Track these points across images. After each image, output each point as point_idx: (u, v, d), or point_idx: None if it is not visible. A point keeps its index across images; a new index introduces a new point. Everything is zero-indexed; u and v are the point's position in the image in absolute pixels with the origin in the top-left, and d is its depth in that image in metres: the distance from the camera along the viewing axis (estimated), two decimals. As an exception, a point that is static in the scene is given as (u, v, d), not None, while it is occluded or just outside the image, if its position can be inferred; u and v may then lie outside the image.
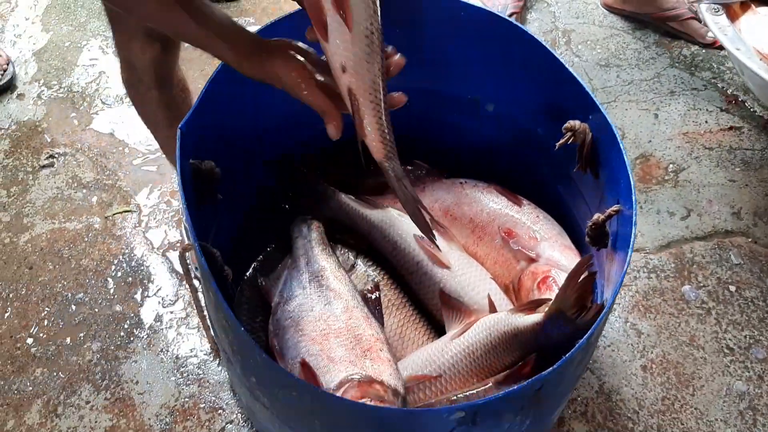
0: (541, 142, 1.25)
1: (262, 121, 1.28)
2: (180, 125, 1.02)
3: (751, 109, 1.84)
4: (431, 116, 1.39)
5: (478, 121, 1.37)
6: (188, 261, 1.05)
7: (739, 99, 1.86)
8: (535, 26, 2.07)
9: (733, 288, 1.50)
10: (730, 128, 1.80)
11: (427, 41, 1.28)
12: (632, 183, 0.96)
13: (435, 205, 1.38)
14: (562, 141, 1.11)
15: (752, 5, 1.31)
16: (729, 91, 1.87)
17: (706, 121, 1.81)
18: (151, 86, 1.24)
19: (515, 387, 0.81)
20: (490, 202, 1.35)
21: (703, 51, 1.97)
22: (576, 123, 1.10)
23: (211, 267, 0.92)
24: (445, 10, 1.23)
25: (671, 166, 1.73)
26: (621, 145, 1.01)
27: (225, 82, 1.13)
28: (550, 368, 0.80)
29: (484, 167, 1.40)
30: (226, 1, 2.12)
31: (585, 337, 0.83)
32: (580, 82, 1.09)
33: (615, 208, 1.01)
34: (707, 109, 1.84)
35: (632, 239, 0.91)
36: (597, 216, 1.04)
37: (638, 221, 1.61)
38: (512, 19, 1.95)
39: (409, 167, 1.41)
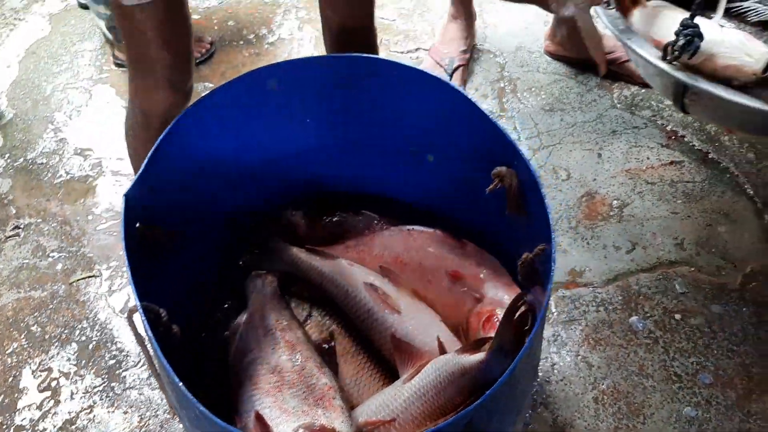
0: (478, 187, 1.32)
1: (212, 181, 1.33)
2: (125, 192, 1.07)
3: (691, 144, 1.92)
4: (378, 169, 1.46)
5: (421, 171, 1.44)
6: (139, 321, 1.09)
7: (679, 134, 1.95)
8: (482, 76, 2.16)
9: (678, 316, 1.56)
10: (671, 163, 1.88)
11: (370, 101, 1.36)
12: (551, 222, 1.02)
13: (385, 252, 1.43)
14: (491, 186, 1.18)
15: (644, 2, 1.38)
16: (669, 128, 1.96)
17: (648, 158, 1.90)
18: (158, 132, 1.24)
19: (440, 424, 0.85)
20: (437, 247, 1.41)
21: (643, 91, 2.07)
22: (503, 169, 1.17)
23: (154, 326, 0.96)
24: (388, 73, 1.31)
25: (615, 202, 1.80)
26: (541, 187, 1.07)
27: (171, 146, 1.19)
28: (475, 404, 0.84)
29: (430, 213, 1.46)
30: (198, 64, 2.19)
31: (507, 372, 0.88)
32: (505, 134, 1.16)
33: (540, 247, 1.07)
34: (648, 146, 1.92)
35: (551, 275, 0.97)
36: (525, 255, 1.10)
37: (586, 257, 1.69)
38: (452, 82, 2.07)
39: (359, 217, 1.48)
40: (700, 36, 1.18)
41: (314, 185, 1.48)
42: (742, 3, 1.29)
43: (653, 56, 1.26)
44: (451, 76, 2.10)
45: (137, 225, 1.14)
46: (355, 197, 1.49)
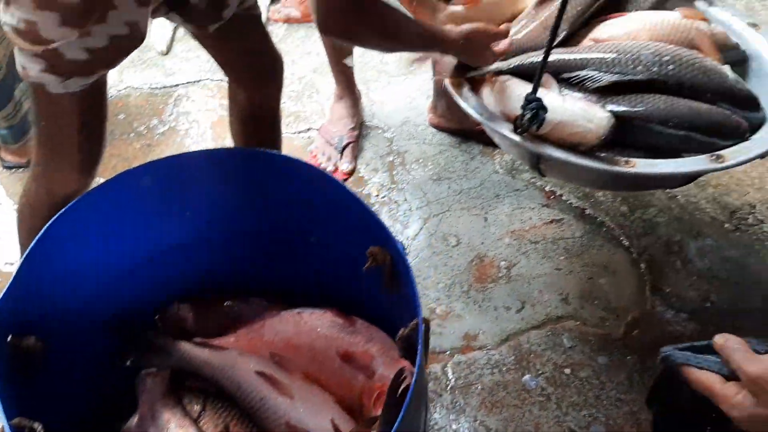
0: (359, 265, 1.36)
1: (92, 283, 1.32)
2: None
3: (569, 202, 2.04)
4: (264, 254, 1.48)
5: (306, 253, 1.47)
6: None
7: (557, 194, 2.06)
8: (372, 151, 2.24)
9: (568, 371, 1.62)
10: (552, 221, 1.99)
11: (251, 191, 1.39)
12: (417, 298, 1.06)
13: (276, 338, 1.44)
14: (366, 265, 1.22)
15: (490, 77, 1.47)
16: (547, 188, 2.08)
17: (530, 218, 2.00)
18: (53, 212, 1.23)
19: None
20: (327, 327, 1.43)
21: (522, 155, 2.19)
22: (376, 249, 1.21)
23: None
24: (267, 165, 1.35)
25: (503, 263, 1.88)
26: (408, 265, 1.12)
27: (46, 251, 1.18)
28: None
29: (319, 293, 1.48)
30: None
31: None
32: (377, 218, 1.21)
33: (413, 323, 1.11)
34: (530, 207, 2.03)
35: (419, 348, 1.00)
36: (402, 330, 1.14)
37: (479, 320, 1.74)
38: (344, 158, 2.13)
39: (248, 305, 1.48)
40: (544, 108, 1.27)
41: (199, 277, 1.48)
42: (579, 72, 1.40)
43: (506, 130, 1.35)
44: (341, 153, 2.17)
45: (10, 337, 1.11)
46: (243, 284, 1.50)
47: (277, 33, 2.74)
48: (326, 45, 2.13)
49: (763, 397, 0.73)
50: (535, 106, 1.27)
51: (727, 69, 1.41)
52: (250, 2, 1.45)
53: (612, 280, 1.83)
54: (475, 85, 1.49)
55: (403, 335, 1.13)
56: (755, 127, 1.38)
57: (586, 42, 1.53)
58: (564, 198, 2.05)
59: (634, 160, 1.30)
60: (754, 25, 1.55)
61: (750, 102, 1.40)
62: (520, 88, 1.36)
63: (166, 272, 1.43)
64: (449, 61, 1.49)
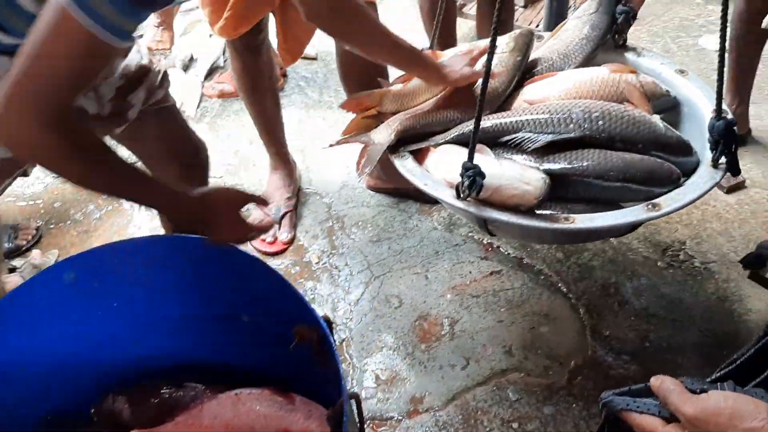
0: (291, 342, 1.36)
1: (18, 385, 1.29)
2: None
3: (506, 253, 2.07)
4: (197, 337, 1.47)
5: (239, 333, 1.46)
6: None
7: (495, 246, 2.10)
8: (311, 218, 2.26)
9: (515, 425, 1.62)
10: (491, 273, 2.01)
11: (177, 277, 1.39)
12: (342, 378, 1.06)
13: (215, 421, 1.41)
14: (293, 343, 1.22)
15: (432, 148, 1.53)
16: (485, 241, 2.11)
17: (470, 272, 2.02)
18: None
19: None
20: (266, 406, 1.41)
21: (459, 209, 2.23)
22: (302, 327, 1.22)
23: None
24: (192, 251, 1.35)
25: (446, 320, 1.89)
26: (332, 343, 1.12)
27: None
28: None
29: (256, 371, 1.47)
30: (25, 251, 2.14)
31: None
32: (301, 297, 1.22)
33: (340, 401, 1.10)
34: (469, 260, 2.06)
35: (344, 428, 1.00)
36: (329, 410, 1.14)
37: (425, 381, 1.74)
38: (283, 227, 2.13)
39: (184, 391, 1.46)
40: (481, 174, 1.32)
41: (134, 365, 1.46)
42: (516, 135, 1.45)
43: (449, 197, 1.40)
44: (279, 223, 2.18)
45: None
46: (179, 368, 1.48)
47: (212, 108, 2.78)
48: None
49: None
50: (472, 173, 1.33)
51: (656, 119, 1.47)
52: (157, 97, 1.47)
53: (553, 328, 1.85)
54: (418, 156, 1.55)
55: (330, 415, 1.13)
56: (690, 172, 1.43)
57: (521, 104, 1.60)
58: (502, 249, 2.09)
59: (573, 216, 1.35)
60: (681, 72, 1.63)
61: (681, 148, 1.46)
62: (458, 157, 1.40)
63: (98, 365, 1.40)
64: (376, 149, 1.55)
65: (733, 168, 1.37)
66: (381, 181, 2.30)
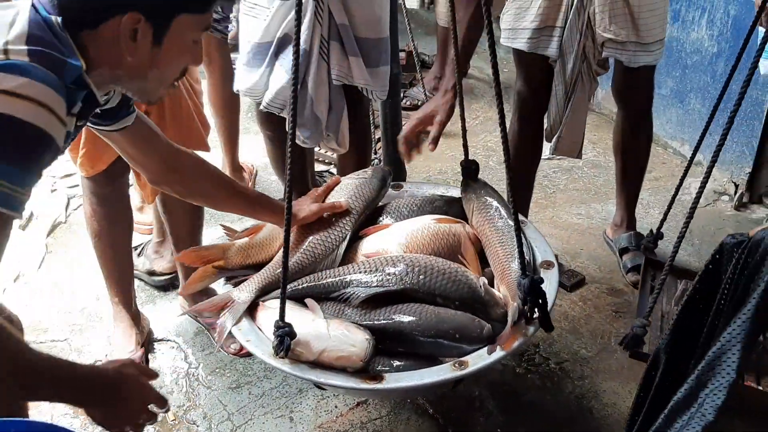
0: None
1: None
2: None
3: (371, 380, 2.04)
4: None
5: None
6: None
7: (359, 374, 2.06)
8: (164, 370, 2.13)
9: None
10: (357, 405, 1.96)
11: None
12: None
13: None
14: None
15: (262, 303, 1.56)
16: (348, 371, 2.07)
17: (336, 406, 1.96)
18: None
19: None
20: None
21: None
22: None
23: None
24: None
25: (314, 463, 1.80)
26: None
27: None
28: None
29: None
30: None
31: None
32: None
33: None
34: (334, 395, 2.00)
35: None
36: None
37: None
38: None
39: None
40: (291, 335, 1.35)
41: None
42: (343, 290, 1.52)
43: (267, 356, 1.41)
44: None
45: None
46: None
47: (56, 267, 2.63)
48: None
49: None
50: (281, 333, 1.35)
51: (476, 279, 1.52)
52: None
53: (423, 452, 1.81)
54: (253, 311, 1.56)
55: None
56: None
57: (360, 258, 1.66)
58: (365, 377, 2.05)
59: (385, 376, 1.38)
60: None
61: (499, 304, 1.50)
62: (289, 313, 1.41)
63: None
64: (237, 308, 1.56)
65: (546, 324, 1.39)
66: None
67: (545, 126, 2.25)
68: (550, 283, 1.53)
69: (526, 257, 1.46)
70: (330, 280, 1.56)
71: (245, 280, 1.62)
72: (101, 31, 1.11)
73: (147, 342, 2.20)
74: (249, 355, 2.07)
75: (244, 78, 2.04)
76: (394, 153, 2.70)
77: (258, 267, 1.66)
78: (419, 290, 1.48)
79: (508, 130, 2.12)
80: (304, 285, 1.57)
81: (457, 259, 1.60)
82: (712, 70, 2.97)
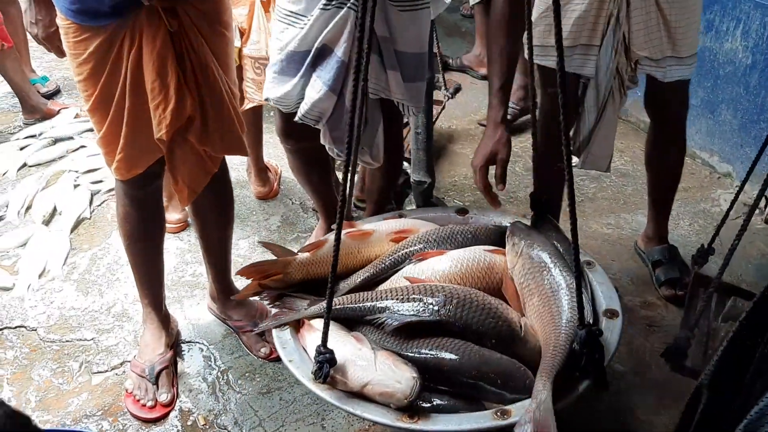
0: None
1: None
2: None
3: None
4: None
5: None
6: None
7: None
8: (193, 373, 2.11)
9: None
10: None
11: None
12: None
13: None
14: None
15: (306, 322, 1.52)
16: (379, 379, 2.05)
17: (368, 415, 1.94)
18: None
19: None
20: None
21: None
22: None
23: None
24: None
25: (348, 473, 1.78)
26: None
27: None
28: None
29: None
30: None
31: None
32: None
33: None
34: (366, 403, 1.97)
35: None
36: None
37: None
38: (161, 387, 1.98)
39: None
40: (332, 362, 1.32)
41: None
42: (379, 315, 1.46)
43: (305, 379, 1.38)
44: (156, 383, 2.01)
45: None
46: None
47: (81, 263, 2.61)
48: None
49: None
50: (321, 359, 1.32)
51: (516, 317, 1.44)
52: None
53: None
54: (297, 330, 1.53)
55: None
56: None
57: (401, 280, 1.60)
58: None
59: (422, 416, 1.30)
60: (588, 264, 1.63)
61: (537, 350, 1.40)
62: (332, 338, 1.37)
63: None
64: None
65: (601, 382, 1.31)
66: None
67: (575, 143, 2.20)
68: (611, 335, 1.43)
69: (585, 306, 1.34)
70: (365, 304, 1.49)
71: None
72: None
73: (175, 344, 2.19)
74: (278, 359, 2.05)
75: (275, 87, 1.98)
76: (425, 157, 2.69)
77: (319, 283, 1.65)
78: (455, 323, 1.41)
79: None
80: (338, 306, 1.50)
81: (500, 294, 1.54)
82: (746, 82, 2.93)
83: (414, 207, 2.76)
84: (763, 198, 2.87)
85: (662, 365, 2.08)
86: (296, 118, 1.94)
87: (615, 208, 2.90)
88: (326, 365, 1.30)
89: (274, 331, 1.53)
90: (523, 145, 3.33)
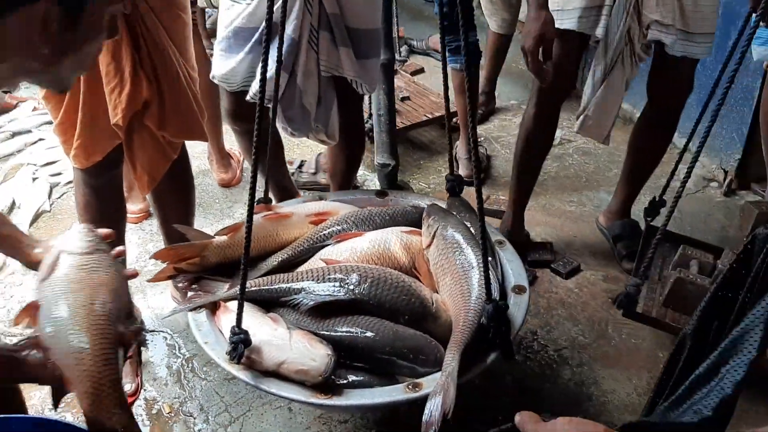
0: None
1: None
2: None
3: (369, 369, 2.02)
4: None
5: None
6: None
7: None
8: (157, 362, 2.09)
9: None
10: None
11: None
12: None
13: None
14: None
15: (222, 304, 1.52)
16: (346, 360, 2.05)
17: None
18: None
19: None
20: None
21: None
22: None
23: None
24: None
25: (315, 454, 1.78)
26: None
27: None
28: None
29: None
30: None
31: None
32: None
33: None
34: (332, 384, 1.97)
35: None
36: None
37: None
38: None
39: None
40: (246, 342, 1.32)
41: None
42: (294, 296, 1.48)
43: (221, 360, 1.39)
44: (123, 374, 1.99)
45: None
46: None
47: (39, 256, 2.56)
48: None
49: None
50: (236, 340, 1.32)
51: (429, 294, 1.47)
52: None
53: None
54: (214, 310, 1.53)
55: None
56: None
57: (318, 262, 1.61)
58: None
59: (337, 392, 1.33)
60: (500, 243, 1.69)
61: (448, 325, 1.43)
62: (247, 318, 1.38)
63: None
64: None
65: (507, 353, 1.36)
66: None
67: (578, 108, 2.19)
68: (518, 309, 1.48)
69: (493, 283, 1.38)
70: (281, 285, 1.50)
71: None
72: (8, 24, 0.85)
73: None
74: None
75: (221, 63, 1.94)
76: (388, 140, 2.68)
77: (236, 266, 1.62)
78: (369, 301, 1.42)
79: (523, 113, 2.14)
80: (253, 288, 1.50)
81: (413, 273, 1.57)
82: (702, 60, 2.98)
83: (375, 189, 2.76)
84: (723, 172, 2.95)
85: (624, 337, 2.13)
86: (248, 97, 1.92)
87: (577, 186, 2.93)
88: (240, 345, 1.31)
89: (189, 313, 1.52)
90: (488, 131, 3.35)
